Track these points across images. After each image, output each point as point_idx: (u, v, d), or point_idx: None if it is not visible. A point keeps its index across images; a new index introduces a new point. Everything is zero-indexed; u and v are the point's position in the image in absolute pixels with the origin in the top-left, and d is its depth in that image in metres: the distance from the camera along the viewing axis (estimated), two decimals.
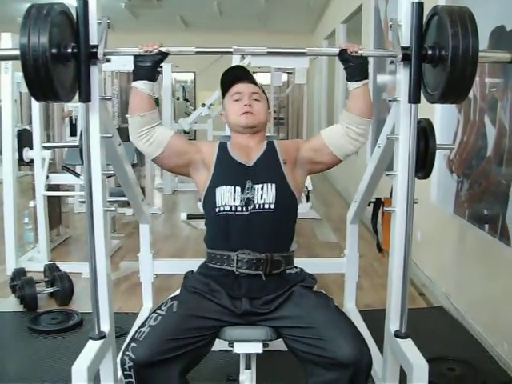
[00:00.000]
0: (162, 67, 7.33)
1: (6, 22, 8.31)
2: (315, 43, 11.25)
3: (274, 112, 9.07)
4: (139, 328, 1.93)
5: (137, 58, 2.02)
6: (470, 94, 3.27)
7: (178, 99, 11.38)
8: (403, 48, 1.95)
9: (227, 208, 2.05)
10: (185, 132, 8.63)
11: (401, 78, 2.01)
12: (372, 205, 2.92)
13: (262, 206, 2.04)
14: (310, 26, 11.98)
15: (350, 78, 2.05)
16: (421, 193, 2.35)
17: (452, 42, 1.76)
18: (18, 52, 1.72)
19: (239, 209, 2.04)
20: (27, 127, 5.02)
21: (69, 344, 3.04)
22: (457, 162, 3.59)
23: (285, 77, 9.62)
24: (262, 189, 2.06)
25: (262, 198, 2.05)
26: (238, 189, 2.05)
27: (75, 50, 1.87)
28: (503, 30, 2.88)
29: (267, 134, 2.33)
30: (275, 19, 11.36)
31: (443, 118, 3.75)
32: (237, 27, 11.32)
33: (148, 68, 2.02)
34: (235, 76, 2.30)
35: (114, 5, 9.21)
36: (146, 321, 1.96)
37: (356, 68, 2.03)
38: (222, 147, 2.18)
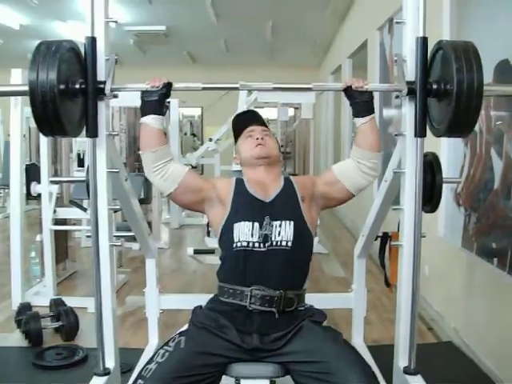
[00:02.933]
0: (169, 102, 7.42)
1: (16, 58, 8.45)
2: (321, 78, 11.35)
3: (282, 146, 9.10)
4: (146, 364, 1.91)
5: (143, 93, 2.05)
6: (476, 128, 3.27)
7: (185, 134, 11.47)
8: (408, 83, 1.97)
9: (245, 244, 2.04)
10: (192, 167, 8.67)
11: (406, 113, 2.03)
12: (379, 239, 2.91)
13: (279, 243, 2.04)
14: (316, 60, 12.10)
15: (356, 114, 2.09)
16: (428, 227, 2.34)
17: (457, 77, 1.77)
18: (26, 88, 1.75)
19: (257, 245, 2.04)
20: (35, 162, 5.05)
21: (73, 380, 3.00)
22: (464, 195, 3.58)
23: (291, 111, 9.70)
24: (280, 226, 2.05)
25: (279, 234, 2.04)
26: (257, 225, 2.05)
27: (83, 86, 1.90)
28: (507, 63, 2.90)
29: None
30: (282, 54, 11.49)
31: (450, 151, 3.76)
32: (244, 62, 11.46)
33: (155, 102, 2.04)
34: (247, 120, 2.36)
35: (122, 41, 9.35)
36: (153, 357, 1.93)
37: (362, 104, 2.06)
38: (240, 183, 2.19)
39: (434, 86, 1.92)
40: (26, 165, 4.36)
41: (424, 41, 1.93)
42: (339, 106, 9.26)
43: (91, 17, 1.91)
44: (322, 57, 11.74)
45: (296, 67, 11.76)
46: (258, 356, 2.01)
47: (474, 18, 3.46)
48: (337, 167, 2.18)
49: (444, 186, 2.29)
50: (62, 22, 8.31)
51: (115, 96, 1.99)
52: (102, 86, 1.93)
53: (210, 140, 7.92)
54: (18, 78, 3.89)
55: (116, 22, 2.01)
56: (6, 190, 4.30)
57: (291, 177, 2.25)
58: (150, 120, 2.05)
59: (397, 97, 2.10)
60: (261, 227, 2.05)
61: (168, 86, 2.05)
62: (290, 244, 2.04)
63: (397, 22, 2.07)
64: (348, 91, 2.06)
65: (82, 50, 1.92)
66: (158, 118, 2.06)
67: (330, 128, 10.36)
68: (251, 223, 2.06)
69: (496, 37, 3.11)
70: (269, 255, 2.03)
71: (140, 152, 2.11)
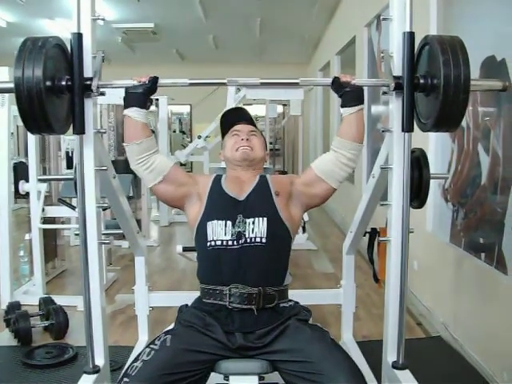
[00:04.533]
0: (157, 99, 7.40)
1: (3, 56, 8.40)
2: (310, 74, 11.36)
3: (270, 143, 9.11)
4: (132, 363, 1.91)
5: (129, 87, 2.04)
6: (464, 123, 3.30)
7: (174, 131, 11.45)
8: (395, 77, 1.97)
9: (218, 242, 2.05)
10: (181, 164, 8.65)
11: (393, 108, 2.03)
12: (368, 235, 2.92)
13: (253, 240, 2.04)
14: (305, 57, 12.11)
15: (345, 104, 2.08)
16: (416, 222, 2.35)
17: (444, 71, 1.77)
18: (12, 85, 1.73)
19: (230, 243, 2.04)
20: (23, 160, 5.03)
21: (63, 378, 3.00)
22: (452, 190, 3.60)
23: (280, 108, 9.70)
24: (254, 223, 2.05)
25: (253, 231, 2.04)
26: (229, 223, 2.06)
27: (69, 83, 1.88)
28: (494, 59, 2.92)
29: (264, 166, 2.36)
30: (270, 51, 11.49)
31: (437, 147, 3.78)
32: (233, 60, 11.45)
33: (139, 95, 2.04)
34: (234, 118, 2.36)
35: (110, 38, 9.31)
36: (139, 355, 1.93)
37: (352, 93, 2.06)
38: (217, 180, 2.20)
39: (421, 81, 1.92)
40: (14, 163, 4.35)
41: (411, 36, 1.93)
42: (328, 103, 9.27)
43: (78, 14, 1.90)
44: (311, 54, 11.75)
45: (285, 64, 11.78)
46: (245, 354, 2.01)
47: (461, 15, 3.48)
48: (315, 165, 2.18)
49: (432, 181, 2.30)
50: (49, 19, 8.26)
51: (102, 94, 1.98)
52: (88, 82, 1.92)
53: (199, 137, 7.91)
54: (5, 76, 3.86)
55: (103, 19, 2.00)
56: None
57: (267, 175, 2.25)
58: (133, 113, 2.06)
59: (384, 93, 2.10)
60: (233, 225, 2.05)
61: (154, 81, 2.04)
62: (264, 240, 2.04)
63: (384, 19, 2.07)
64: (335, 84, 2.06)
65: (69, 47, 1.91)
66: (142, 112, 2.07)
67: (318, 125, 10.38)
68: (224, 222, 2.06)
69: (483, 33, 3.13)
70: (243, 252, 2.03)
71: (124, 144, 2.12)
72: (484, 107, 3.15)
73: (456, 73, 1.77)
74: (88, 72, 1.93)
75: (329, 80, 2.09)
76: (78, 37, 1.90)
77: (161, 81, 2.07)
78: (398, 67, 1.98)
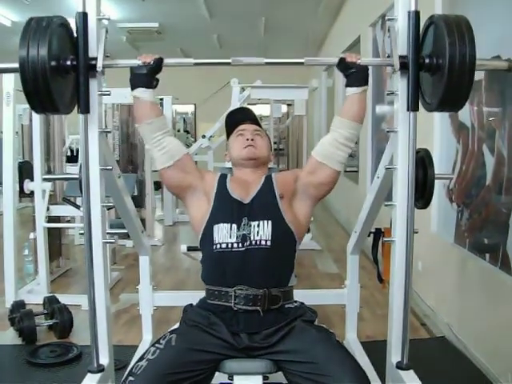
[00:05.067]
0: (162, 99, 7.39)
1: (8, 55, 8.42)
2: (315, 74, 11.34)
3: (275, 143, 9.10)
4: (137, 362, 1.91)
5: (133, 67, 2.05)
6: (468, 123, 3.30)
7: (178, 131, 11.42)
8: (401, 57, 1.97)
9: (224, 245, 2.05)
10: None
11: (399, 88, 2.02)
12: (372, 235, 2.91)
13: (258, 243, 2.04)
14: (309, 57, 12.03)
15: (350, 84, 2.09)
16: (421, 223, 2.34)
17: (449, 51, 1.77)
18: (17, 65, 1.73)
19: (235, 245, 2.04)
20: (28, 159, 5.04)
21: (67, 377, 3.01)
22: (456, 191, 3.60)
23: (284, 108, 9.70)
24: (259, 225, 2.06)
25: (258, 234, 2.05)
26: (235, 226, 2.06)
27: (74, 63, 1.88)
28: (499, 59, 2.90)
29: (268, 167, 2.36)
30: (275, 51, 11.46)
31: (442, 147, 3.77)
32: None
33: (144, 76, 2.04)
34: (239, 118, 2.36)
35: (115, 38, 9.31)
36: (144, 354, 1.94)
37: (357, 74, 2.06)
38: (222, 181, 2.20)
39: (427, 61, 1.91)
40: (19, 162, 4.36)
41: (416, 15, 1.91)
42: (332, 103, 9.26)
43: (83, 13, 1.90)
44: (315, 53, 11.73)
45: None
46: (250, 354, 2.02)
47: (466, 15, 3.47)
48: (315, 151, 2.17)
49: (436, 182, 2.29)
50: None
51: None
52: (93, 62, 1.92)
53: (204, 137, 7.91)
54: (10, 74, 3.88)
55: (108, 18, 2.00)
56: None
57: (273, 174, 2.24)
58: (141, 93, 2.06)
59: (389, 94, 2.11)
60: (238, 228, 2.06)
61: (159, 61, 2.04)
62: (269, 243, 2.04)
63: (388, 19, 2.07)
64: (342, 64, 2.06)
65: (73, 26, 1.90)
66: (149, 91, 2.07)
67: (323, 124, 10.36)
68: (229, 225, 2.06)
69: (488, 33, 3.12)
70: (248, 254, 2.03)
71: (136, 125, 2.14)
72: (489, 107, 3.14)
73: (462, 53, 1.76)
74: (93, 52, 1.93)
75: (335, 60, 2.09)
76: (83, 16, 1.89)
77: (165, 61, 2.07)
78: (403, 46, 1.98)
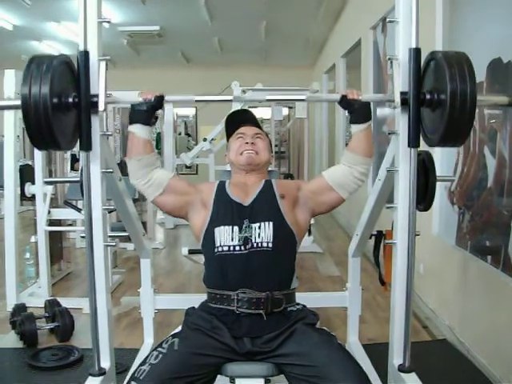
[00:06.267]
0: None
1: (10, 59, 8.43)
2: (316, 77, 11.35)
3: (276, 146, 9.11)
4: (139, 366, 1.90)
5: (134, 104, 2.07)
6: None
7: (179, 134, 11.47)
8: (402, 93, 1.97)
9: (226, 248, 2.05)
10: (186, 167, 8.65)
11: (399, 122, 2.03)
12: (374, 238, 2.91)
13: (260, 245, 2.04)
14: (310, 60, 12.10)
15: (354, 121, 2.11)
16: (422, 225, 2.34)
17: (450, 87, 1.77)
18: (19, 102, 1.74)
19: (237, 248, 2.04)
20: (29, 162, 5.04)
21: (68, 381, 3.00)
22: (458, 193, 3.59)
23: (285, 111, 9.70)
24: (260, 227, 2.06)
25: (259, 236, 2.05)
26: (236, 228, 2.06)
27: (76, 100, 1.88)
28: (500, 61, 2.91)
29: (268, 169, 2.36)
30: (275, 54, 11.49)
31: (443, 149, 3.77)
32: (237, 62, 11.45)
33: (144, 112, 2.06)
34: (239, 119, 2.36)
35: (115, 41, 9.34)
36: (146, 358, 1.93)
37: (360, 111, 2.08)
38: (221, 186, 2.20)
39: (428, 96, 1.91)
40: (20, 165, 4.36)
41: (417, 51, 1.93)
42: (333, 106, 9.26)
43: (84, 17, 1.91)
44: (316, 56, 11.74)
45: (290, 67, 11.77)
46: (252, 358, 2.01)
47: (467, 17, 3.47)
48: (328, 174, 2.19)
49: (438, 184, 2.29)
50: (55, 22, 8.28)
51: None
52: (95, 99, 1.92)
53: (205, 140, 7.90)
54: (11, 78, 3.88)
55: (109, 21, 2.00)
56: (0, 191, 4.28)
57: (273, 180, 2.25)
58: (137, 129, 2.08)
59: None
60: (240, 230, 2.06)
61: (159, 99, 2.06)
62: (270, 245, 2.04)
63: (389, 21, 2.07)
64: (343, 102, 2.08)
65: (75, 63, 1.91)
66: (145, 128, 2.08)
67: (324, 127, 10.36)
68: (230, 227, 2.07)
69: (490, 35, 3.12)
70: (251, 257, 2.03)
71: (126, 159, 2.15)
72: (491, 109, 3.14)
73: (462, 89, 1.76)
74: (94, 89, 1.94)
75: (337, 96, 2.10)
76: (85, 54, 1.90)
77: (166, 97, 2.09)
78: (404, 82, 1.98)
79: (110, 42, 9.07)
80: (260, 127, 2.37)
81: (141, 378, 1.84)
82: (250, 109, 2.66)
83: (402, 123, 2.01)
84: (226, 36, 9.92)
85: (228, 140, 2.38)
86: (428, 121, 1.97)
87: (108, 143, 2.20)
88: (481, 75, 3.12)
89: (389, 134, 2.18)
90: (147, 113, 2.07)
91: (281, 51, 11.15)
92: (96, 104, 1.92)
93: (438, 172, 2.30)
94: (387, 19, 2.11)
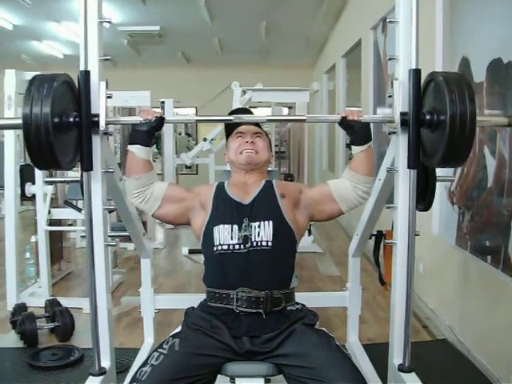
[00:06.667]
0: (163, 102, 7.40)
1: (10, 58, 8.44)
2: (316, 77, 11.35)
3: (276, 146, 9.10)
4: (141, 367, 1.91)
5: (135, 124, 2.09)
6: None
7: (179, 134, 11.42)
8: (401, 114, 1.97)
9: (225, 247, 2.05)
10: (186, 167, 8.64)
11: (399, 143, 2.03)
12: (374, 238, 2.91)
13: (259, 244, 2.04)
14: (310, 60, 12.10)
15: (355, 143, 2.11)
16: (422, 225, 2.34)
17: (450, 108, 1.77)
18: (20, 121, 1.74)
19: (237, 247, 2.04)
20: (29, 162, 5.04)
21: (69, 380, 3.01)
22: (458, 193, 3.60)
23: (286, 111, 9.69)
24: (259, 226, 2.06)
25: (259, 235, 2.05)
26: (236, 227, 2.06)
27: (77, 119, 1.89)
28: (500, 62, 2.91)
29: (268, 169, 2.36)
30: (276, 54, 11.48)
31: None
32: (238, 62, 11.45)
33: (144, 133, 2.07)
34: None
35: (116, 41, 9.34)
36: (147, 360, 1.93)
37: (360, 132, 2.09)
38: (220, 187, 2.21)
39: (427, 117, 1.92)
40: (21, 165, 4.36)
41: (417, 72, 1.93)
42: (333, 106, 9.26)
43: (84, 17, 1.91)
44: (316, 56, 11.74)
45: (290, 67, 11.77)
46: (252, 358, 2.02)
47: (468, 17, 3.47)
48: (334, 185, 2.19)
49: (438, 184, 2.30)
50: (55, 22, 8.28)
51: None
52: (96, 119, 1.93)
53: (205, 140, 7.91)
54: (11, 78, 3.89)
55: (110, 21, 2.00)
56: (1, 191, 4.28)
57: (273, 181, 2.25)
58: (136, 149, 2.09)
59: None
60: (240, 229, 2.06)
61: (160, 119, 2.07)
62: (270, 244, 2.05)
63: (390, 21, 2.07)
64: (344, 123, 2.08)
65: (76, 82, 1.92)
66: (144, 149, 2.09)
67: (324, 127, 10.36)
68: (230, 226, 2.07)
69: (490, 36, 3.12)
70: (250, 256, 2.03)
71: (124, 177, 2.16)
72: (490, 110, 3.14)
73: (462, 110, 1.77)
74: (95, 108, 1.94)
75: (337, 117, 2.10)
76: (86, 74, 1.91)
77: (167, 118, 2.12)
78: (403, 103, 1.98)
79: (111, 42, 9.07)
80: (260, 126, 2.37)
81: (142, 379, 1.84)
82: (251, 109, 2.66)
83: (401, 144, 2.02)
84: (226, 36, 9.92)
85: (227, 139, 2.38)
86: (428, 141, 1.97)
87: (108, 143, 2.21)
88: (481, 75, 3.13)
89: (389, 133, 2.18)
90: (147, 134, 2.07)
91: (281, 51, 11.14)
92: (97, 123, 1.93)
93: (438, 172, 2.30)
94: (387, 19, 2.11)
